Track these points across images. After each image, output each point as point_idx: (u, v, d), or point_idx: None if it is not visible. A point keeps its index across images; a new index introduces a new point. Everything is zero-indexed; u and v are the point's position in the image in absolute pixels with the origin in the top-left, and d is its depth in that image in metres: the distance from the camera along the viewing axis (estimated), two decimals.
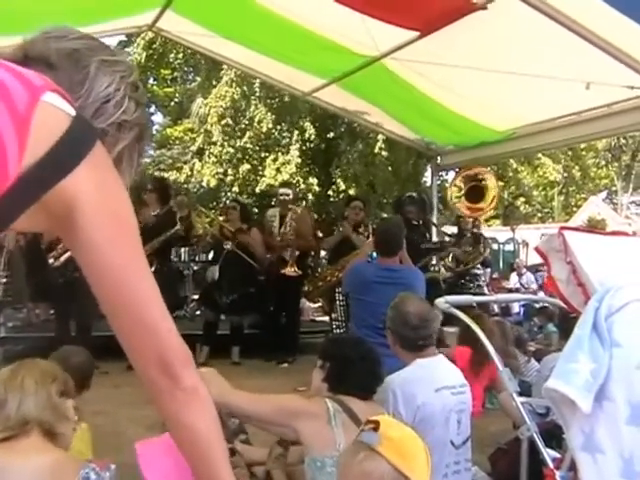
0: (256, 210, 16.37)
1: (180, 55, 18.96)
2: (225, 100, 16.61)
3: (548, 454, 2.46)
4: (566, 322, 3.43)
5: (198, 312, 9.46)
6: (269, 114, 16.58)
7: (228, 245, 8.47)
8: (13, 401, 2.06)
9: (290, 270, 8.45)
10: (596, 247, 2.26)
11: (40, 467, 2.02)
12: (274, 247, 8.72)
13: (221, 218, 9.33)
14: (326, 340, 3.26)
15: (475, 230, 9.02)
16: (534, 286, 14.24)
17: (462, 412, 3.20)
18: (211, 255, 9.79)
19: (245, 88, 16.45)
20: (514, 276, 15.02)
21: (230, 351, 8.53)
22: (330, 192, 17.29)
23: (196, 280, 10.04)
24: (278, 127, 16.88)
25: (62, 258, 7.59)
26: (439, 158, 9.75)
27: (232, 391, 2.87)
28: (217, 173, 17.42)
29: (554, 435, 3.18)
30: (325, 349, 3.01)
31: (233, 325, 8.64)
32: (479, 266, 9.06)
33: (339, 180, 17.02)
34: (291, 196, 9.03)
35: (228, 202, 9.26)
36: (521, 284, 14.39)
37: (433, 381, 3.15)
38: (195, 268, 10.01)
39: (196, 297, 9.99)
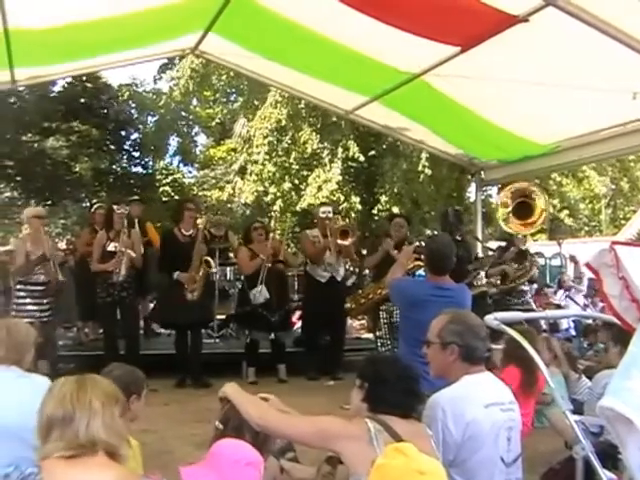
0: (297, 229, 16.43)
1: (223, 77, 19.18)
2: (270, 121, 16.76)
3: (605, 475, 2.39)
4: (622, 338, 3.34)
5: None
6: (314, 134, 16.67)
7: (268, 264, 8.52)
8: (81, 420, 2.10)
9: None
10: None
11: None
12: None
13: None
14: (364, 360, 3.23)
15: (520, 246, 8.86)
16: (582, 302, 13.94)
17: (512, 429, 3.14)
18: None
19: (290, 109, 16.57)
20: (562, 291, 14.71)
21: (275, 369, 8.58)
22: (373, 210, 17.28)
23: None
24: (320, 145, 16.93)
25: (122, 272, 7.85)
26: (483, 173, 9.68)
27: (271, 412, 2.88)
28: (257, 191, 17.54)
29: (609, 455, 3.11)
30: (362, 369, 3.01)
31: (278, 342, 8.67)
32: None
33: (382, 198, 17.00)
34: (332, 214, 9.01)
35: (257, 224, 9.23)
36: (570, 299, 14.08)
37: (482, 397, 3.10)
38: (240, 287, 10.04)
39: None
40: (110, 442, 2.12)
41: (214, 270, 8.46)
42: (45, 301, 7.69)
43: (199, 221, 8.41)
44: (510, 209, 8.37)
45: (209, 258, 8.26)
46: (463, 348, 3.20)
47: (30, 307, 7.63)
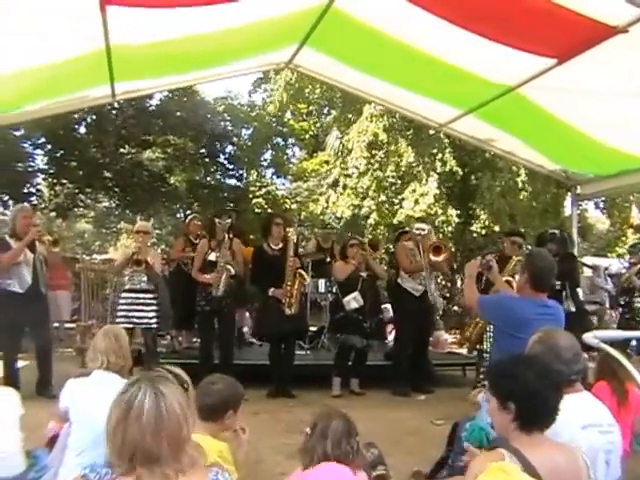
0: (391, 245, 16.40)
1: (317, 90, 19.40)
2: (367, 134, 16.86)
3: None
4: None
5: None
6: (409, 148, 16.66)
7: (364, 274, 8.70)
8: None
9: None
10: None
11: None
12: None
13: None
14: (498, 375, 2.97)
15: None
16: None
17: (611, 452, 3.05)
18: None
19: (386, 122, 16.63)
20: None
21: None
22: (469, 224, 17.13)
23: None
24: (415, 159, 16.88)
25: (221, 287, 8.06)
26: (579, 187, 9.44)
27: None
28: (352, 205, 17.60)
29: None
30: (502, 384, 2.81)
31: (361, 353, 8.74)
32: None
33: (477, 212, 16.84)
34: (426, 231, 8.97)
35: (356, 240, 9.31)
36: None
37: (579, 418, 3.02)
38: (332, 299, 10.10)
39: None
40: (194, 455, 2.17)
41: (307, 282, 8.55)
42: (150, 309, 8.02)
43: (290, 234, 8.49)
44: None
45: (302, 271, 8.37)
46: None
47: (134, 314, 7.95)
